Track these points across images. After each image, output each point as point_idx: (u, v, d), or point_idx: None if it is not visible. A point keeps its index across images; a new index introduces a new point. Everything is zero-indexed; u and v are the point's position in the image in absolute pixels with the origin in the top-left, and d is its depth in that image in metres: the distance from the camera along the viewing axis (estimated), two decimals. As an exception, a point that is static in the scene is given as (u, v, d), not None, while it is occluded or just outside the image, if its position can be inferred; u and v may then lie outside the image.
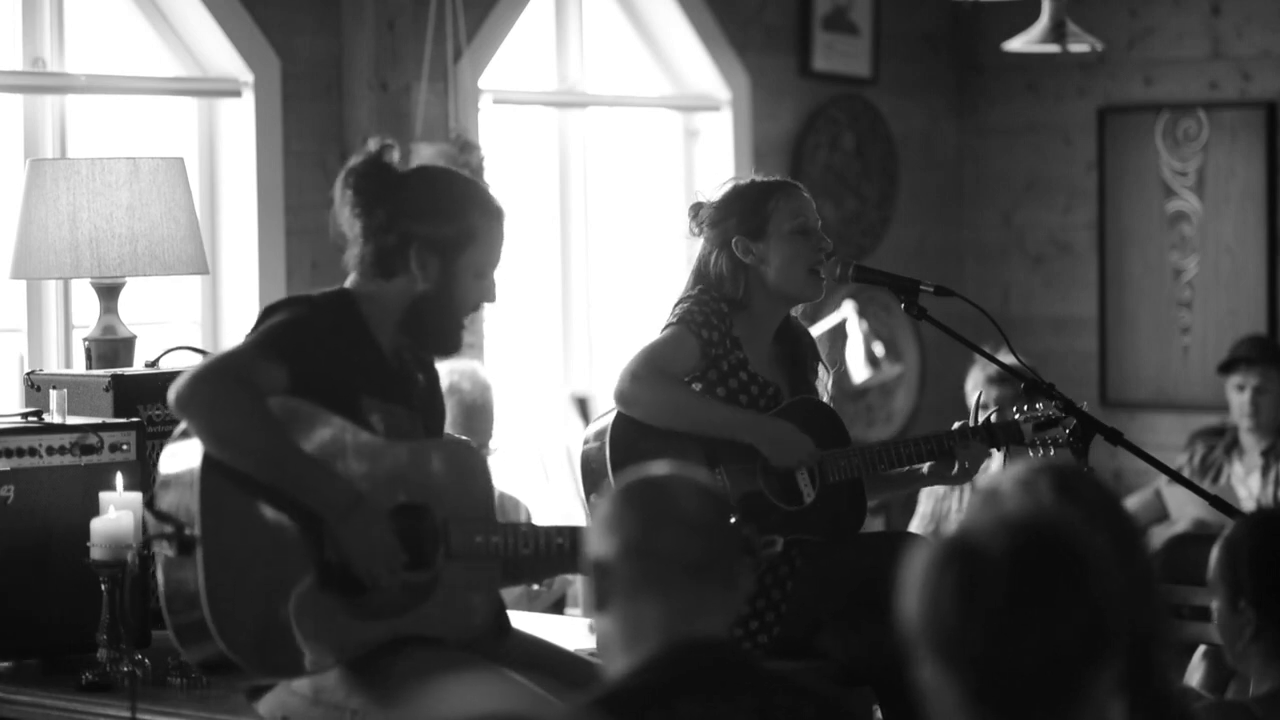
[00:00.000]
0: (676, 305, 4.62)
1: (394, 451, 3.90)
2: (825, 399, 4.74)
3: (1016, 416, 4.70)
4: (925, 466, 4.71)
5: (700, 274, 4.65)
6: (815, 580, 4.51)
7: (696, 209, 4.68)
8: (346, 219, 3.96)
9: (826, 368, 4.79)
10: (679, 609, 2.89)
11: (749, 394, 4.59)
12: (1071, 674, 2.33)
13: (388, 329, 3.97)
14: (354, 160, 3.97)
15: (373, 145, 3.97)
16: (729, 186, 4.69)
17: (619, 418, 4.52)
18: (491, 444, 6.26)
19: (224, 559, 3.73)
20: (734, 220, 4.61)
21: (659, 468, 3.08)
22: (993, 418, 4.69)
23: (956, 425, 4.72)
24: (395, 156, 3.97)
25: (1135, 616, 2.85)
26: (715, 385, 4.57)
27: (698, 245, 4.69)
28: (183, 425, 3.80)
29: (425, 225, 3.92)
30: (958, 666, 2.32)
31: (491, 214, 3.99)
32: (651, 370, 4.49)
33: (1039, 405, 4.68)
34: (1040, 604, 2.32)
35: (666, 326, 4.58)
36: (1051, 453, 4.64)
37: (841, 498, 4.61)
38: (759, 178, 4.70)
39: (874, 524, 4.80)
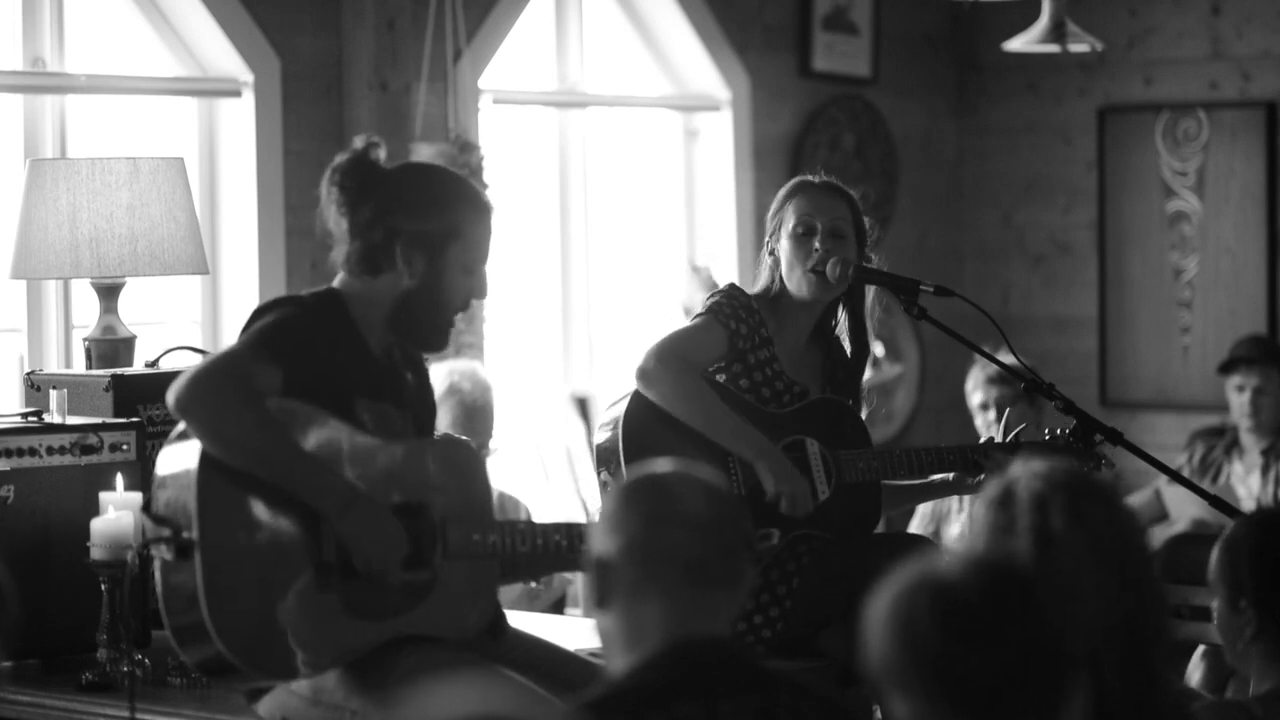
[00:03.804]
0: (708, 299, 4.68)
1: (389, 451, 3.89)
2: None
3: (1046, 437, 4.74)
4: (947, 475, 4.72)
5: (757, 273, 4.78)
6: (821, 578, 4.51)
7: None
8: (333, 217, 3.94)
9: (859, 403, 4.78)
10: (681, 608, 2.89)
11: (773, 389, 4.61)
12: (1046, 691, 2.41)
13: (376, 328, 3.95)
14: (339, 158, 3.94)
15: (358, 143, 3.95)
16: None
17: (633, 405, 4.52)
18: (492, 444, 6.26)
19: (222, 561, 3.71)
20: (770, 225, 4.72)
21: (663, 465, 3.07)
22: (1020, 436, 4.73)
23: (983, 439, 4.77)
24: (381, 154, 3.94)
25: (1137, 618, 2.88)
26: (740, 377, 4.59)
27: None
28: (179, 428, 3.80)
29: (411, 220, 3.90)
30: (939, 692, 2.38)
31: (478, 209, 3.97)
32: (676, 355, 4.51)
33: (1068, 429, 4.71)
34: (1011, 626, 2.41)
35: (696, 316, 4.64)
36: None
37: (856, 497, 4.62)
38: (804, 179, 4.76)
39: (874, 523, 4.82)
